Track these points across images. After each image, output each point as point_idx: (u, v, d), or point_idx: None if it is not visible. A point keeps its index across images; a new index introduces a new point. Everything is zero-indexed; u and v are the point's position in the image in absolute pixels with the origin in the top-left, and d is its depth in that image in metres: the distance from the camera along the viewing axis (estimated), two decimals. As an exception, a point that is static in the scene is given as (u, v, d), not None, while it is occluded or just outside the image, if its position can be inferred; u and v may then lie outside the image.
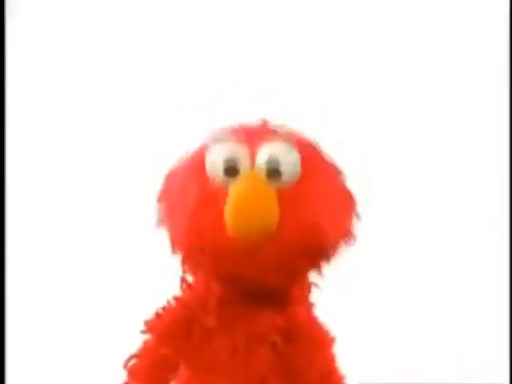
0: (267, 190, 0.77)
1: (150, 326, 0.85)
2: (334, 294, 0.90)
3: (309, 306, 0.87)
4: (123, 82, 1.41)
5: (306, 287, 0.86)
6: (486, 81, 1.41)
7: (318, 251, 0.79)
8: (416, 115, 1.41)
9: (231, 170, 0.79)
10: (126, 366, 0.85)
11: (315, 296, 0.86)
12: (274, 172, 0.78)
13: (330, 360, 0.87)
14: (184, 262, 0.82)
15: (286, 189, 0.78)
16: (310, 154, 0.82)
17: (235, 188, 0.77)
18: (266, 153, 0.79)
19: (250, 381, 0.82)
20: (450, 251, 1.39)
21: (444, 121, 1.42)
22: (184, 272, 0.83)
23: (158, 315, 0.85)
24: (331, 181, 0.82)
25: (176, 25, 1.42)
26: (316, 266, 0.81)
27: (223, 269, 0.78)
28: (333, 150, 0.83)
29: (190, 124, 0.85)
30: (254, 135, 0.81)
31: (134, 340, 0.85)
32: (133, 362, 0.85)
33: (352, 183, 0.84)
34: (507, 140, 1.39)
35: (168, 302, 0.85)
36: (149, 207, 0.83)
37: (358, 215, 0.83)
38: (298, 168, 0.79)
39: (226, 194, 0.77)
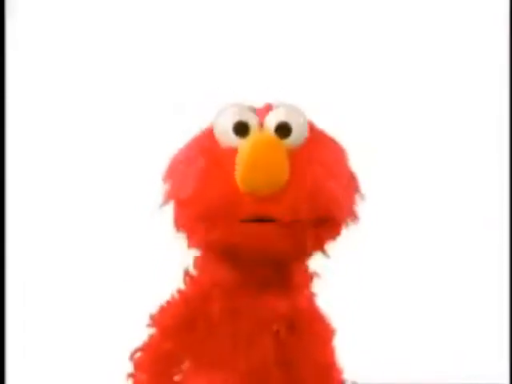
0: (278, 144, 0.77)
1: (154, 320, 0.85)
2: (335, 285, 0.90)
3: (311, 296, 0.87)
4: (123, 82, 1.41)
5: (308, 276, 0.86)
6: (486, 80, 1.41)
7: (325, 213, 0.78)
8: (415, 114, 1.41)
9: (241, 129, 0.79)
10: (131, 358, 0.85)
11: (317, 286, 0.86)
12: (283, 130, 0.78)
13: (330, 353, 0.87)
14: (190, 235, 0.81)
15: (295, 150, 0.78)
16: (314, 125, 0.82)
17: (246, 143, 0.77)
18: (274, 113, 0.80)
19: (253, 371, 0.82)
20: (450, 250, 1.39)
21: (444, 119, 1.42)
22: (189, 247, 0.82)
23: (161, 309, 0.85)
24: (337, 152, 0.82)
25: (176, 24, 1.42)
26: (322, 235, 0.80)
27: (232, 233, 0.77)
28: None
29: (190, 124, 0.84)
30: (261, 107, 0.82)
31: (140, 333, 0.85)
32: (138, 354, 0.85)
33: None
34: (507, 140, 1.39)
35: (172, 295, 0.86)
36: (150, 203, 0.84)
37: (361, 195, 0.83)
38: (306, 129, 0.80)
39: (235, 152, 0.77)
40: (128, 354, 0.86)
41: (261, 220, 0.77)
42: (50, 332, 1.36)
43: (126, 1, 1.44)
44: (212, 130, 0.81)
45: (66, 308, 1.36)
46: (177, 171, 0.82)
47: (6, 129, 1.39)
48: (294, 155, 0.77)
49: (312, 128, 0.82)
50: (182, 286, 0.86)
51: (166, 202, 0.82)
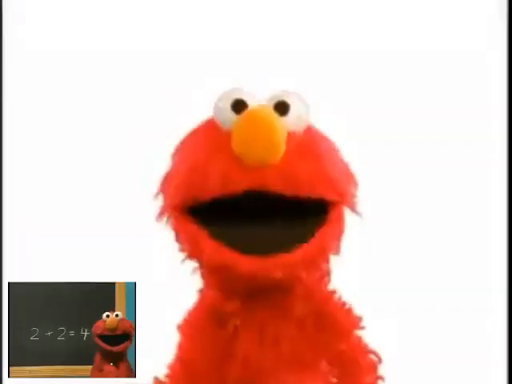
0: (275, 115, 0.76)
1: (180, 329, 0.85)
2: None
3: (330, 294, 0.87)
4: (123, 81, 1.41)
5: (326, 274, 0.85)
6: (486, 80, 1.41)
7: (321, 192, 0.77)
8: (415, 113, 1.41)
9: (239, 107, 0.78)
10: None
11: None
12: (281, 107, 0.78)
13: (355, 342, 0.88)
14: (177, 225, 0.80)
15: (294, 133, 0.77)
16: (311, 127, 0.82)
17: (240, 118, 0.76)
18: (274, 94, 0.79)
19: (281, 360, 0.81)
20: (450, 250, 1.39)
21: (443, 119, 1.42)
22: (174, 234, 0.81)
23: (185, 319, 0.86)
24: (334, 148, 0.82)
25: (175, 24, 1.42)
26: (327, 232, 0.79)
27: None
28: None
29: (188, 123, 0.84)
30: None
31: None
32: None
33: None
34: (507, 139, 1.39)
35: (184, 315, 0.86)
36: (150, 205, 0.83)
37: (358, 189, 0.82)
38: (306, 112, 0.79)
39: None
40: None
41: (257, 196, 0.75)
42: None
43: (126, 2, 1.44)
44: (210, 122, 0.81)
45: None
46: (175, 160, 0.81)
47: (5, 128, 1.39)
48: (292, 136, 0.77)
49: (310, 127, 0.81)
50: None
51: (162, 215, 0.81)
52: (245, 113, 0.76)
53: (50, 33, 1.44)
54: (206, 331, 0.83)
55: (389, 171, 1.35)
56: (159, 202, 0.82)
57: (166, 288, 1.20)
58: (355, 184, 0.83)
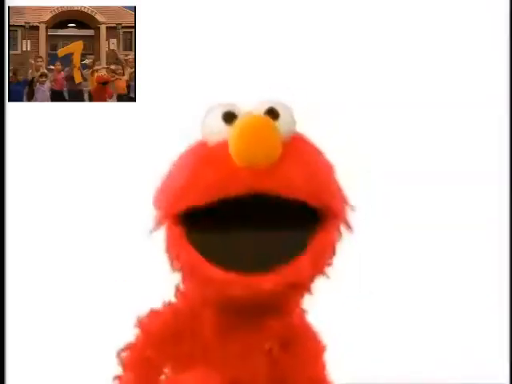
0: (269, 120, 0.76)
1: (140, 324, 0.85)
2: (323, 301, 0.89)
3: (302, 312, 0.86)
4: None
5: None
6: (486, 81, 1.41)
7: (319, 198, 0.76)
8: (414, 114, 1.41)
9: (230, 118, 0.77)
10: (118, 356, 0.85)
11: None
12: (271, 115, 0.77)
13: (321, 368, 0.87)
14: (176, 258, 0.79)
15: (284, 138, 0.77)
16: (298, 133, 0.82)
17: (236, 123, 0.76)
18: (261, 103, 0.79)
19: None
20: (450, 249, 1.39)
21: (443, 119, 1.42)
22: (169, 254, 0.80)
23: (149, 314, 0.85)
24: (323, 155, 0.82)
25: (175, 24, 1.43)
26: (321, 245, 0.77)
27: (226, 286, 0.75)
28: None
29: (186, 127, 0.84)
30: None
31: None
32: (125, 353, 0.85)
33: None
34: (507, 140, 1.39)
35: (162, 305, 0.85)
36: (147, 209, 0.83)
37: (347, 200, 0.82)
38: (294, 120, 0.79)
39: (226, 143, 0.76)
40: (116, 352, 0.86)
41: (257, 198, 0.75)
42: (48, 334, 1.36)
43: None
44: (201, 142, 0.80)
45: (62, 310, 1.36)
46: (168, 181, 0.81)
47: (6, 128, 1.39)
48: (285, 144, 0.76)
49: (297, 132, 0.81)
50: (173, 300, 0.85)
51: (159, 221, 0.80)
52: (242, 119, 0.77)
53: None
54: (167, 336, 0.84)
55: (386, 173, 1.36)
56: (154, 214, 0.81)
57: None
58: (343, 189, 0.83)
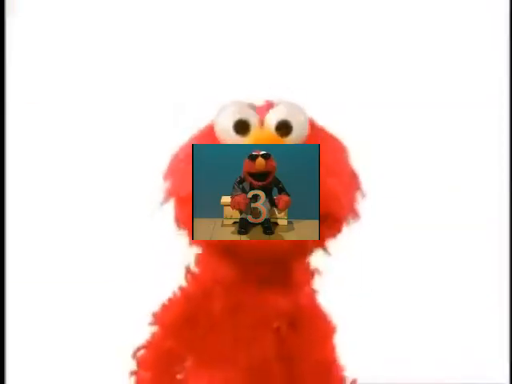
0: (278, 139, 0.78)
1: (156, 318, 0.85)
2: (336, 283, 0.89)
3: (312, 293, 0.87)
4: (123, 80, 1.41)
5: (309, 273, 0.86)
6: (486, 81, 1.41)
7: (325, 210, 0.78)
8: (416, 112, 1.41)
9: (241, 127, 0.79)
10: (134, 356, 0.85)
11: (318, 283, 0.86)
12: (283, 128, 0.79)
13: (330, 350, 0.87)
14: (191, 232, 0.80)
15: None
16: (315, 123, 0.83)
17: (247, 139, 0.78)
18: (275, 111, 0.80)
19: (253, 367, 0.82)
20: (450, 249, 1.39)
21: (443, 119, 1.42)
22: (190, 244, 0.82)
23: (163, 307, 0.85)
24: (338, 150, 0.82)
25: (176, 24, 1.43)
26: (323, 232, 0.79)
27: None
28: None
29: (191, 123, 0.84)
30: (262, 105, 0.82)
31: (143, 331, 0.85)
32: (141, 352, 0.85)
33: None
34: (507, 140, 1.39)
35: (173, 293, 0.85)
36: (151, 201, 0.83)
37: (362, 193, 0.83)
38: (307, 127, 0.80)
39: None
40: (131, 352, 0.86)
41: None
42: (53, 331, 1.36)
43: (126, 0, 1.44)
44: (212, 128, 0.81)
45: (68, 306, 1.36)
46: (177, 169, 0.82)
47: (5, 127, 1.39)
48: None
49: (313, 126, 0.82)
50: (183, 284, 0.85)
51: (166, 199, 0.82)
52: (252, 142, 0.78)
53: (50, 32, 1.44)
54: (184, 322, 0.84)
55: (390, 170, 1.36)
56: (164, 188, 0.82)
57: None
58: (361, 193, 0.83)
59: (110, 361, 0.87)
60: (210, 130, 0.82)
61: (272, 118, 0.80)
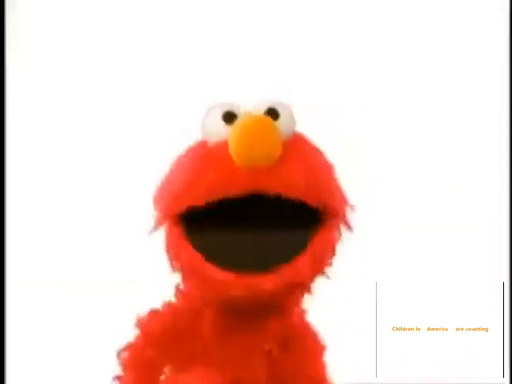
0: (269, 119, 0.76)
1: (140, 324, 0.85)
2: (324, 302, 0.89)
3: (302, 312, 0.86)
4: (123, 79, 1.41)
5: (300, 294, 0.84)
6: (486, 81, 1.41)
7: (319, 198, 0.76)
8: (414, 114, 1.41)
9: (230, 117, 0.77)
10: (118, 356, 0.85)
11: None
12: (271, 114, 0.77)
13: (321, 368, 0.87)
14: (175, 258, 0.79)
15: (284, 138, 0.76)
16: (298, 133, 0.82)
17: (238, 120, 0.76)
18: (261, 103, 0.79)
19: None
20: (450, 249, 1.39)
21: (443, 119, 1.42)
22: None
23: (149, 315, 0.85)
24: (323, 155, 0.81)
25: (174, 25, 1.43)
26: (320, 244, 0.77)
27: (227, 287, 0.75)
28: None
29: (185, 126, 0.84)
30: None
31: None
32: (125, 354, 0.85)
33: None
34: (507, 140, 1.39)
35: (162, 305, 0.85)
36: (147, 209, 0.83)
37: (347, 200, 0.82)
38: (294, 119, 0.79)
39: (226, 143, 0.76)
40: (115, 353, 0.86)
41: (257, 198, 0.74)
42: (52, 331, 1.36)
43: (125, 0, 1.44)
44: (201, 142, 0.80)
45: (68, 306, 1.37)
46: (168, 182, 0.80)
47: (6, 127, 1.39)
48: (285, 142, 0.76)
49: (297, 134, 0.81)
50: (173, 300, 0.85)
51: (159, 221, 0.80)
52: (242, 119, 0.76)
53: (50, 31, 1.44)
54: (168, 335, 0.84)
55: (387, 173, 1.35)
56: (154, 214, 0.81)
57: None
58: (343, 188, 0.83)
59: (109, 361, 0.87)
60: (199, 143, 0.80)
61: (259, 108, 0.78)
